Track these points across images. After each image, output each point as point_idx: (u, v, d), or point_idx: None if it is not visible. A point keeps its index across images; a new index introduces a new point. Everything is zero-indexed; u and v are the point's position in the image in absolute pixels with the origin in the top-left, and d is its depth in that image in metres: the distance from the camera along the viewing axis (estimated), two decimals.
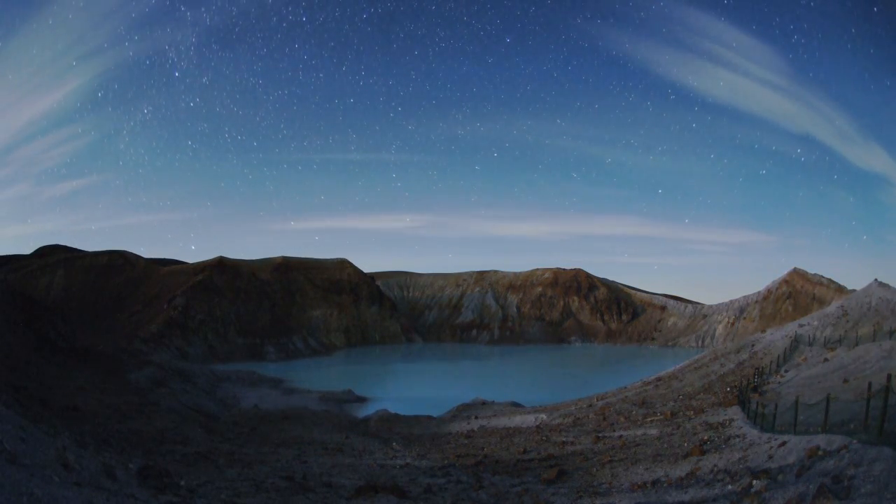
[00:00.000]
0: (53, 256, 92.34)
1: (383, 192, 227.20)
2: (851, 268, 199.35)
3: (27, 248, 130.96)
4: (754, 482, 7.37)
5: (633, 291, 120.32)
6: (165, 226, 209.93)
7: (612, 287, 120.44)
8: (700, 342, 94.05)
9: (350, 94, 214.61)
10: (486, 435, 24.94)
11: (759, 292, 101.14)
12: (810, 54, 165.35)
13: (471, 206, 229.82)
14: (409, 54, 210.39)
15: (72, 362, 37.51)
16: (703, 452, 12.02)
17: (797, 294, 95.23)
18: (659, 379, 36.43)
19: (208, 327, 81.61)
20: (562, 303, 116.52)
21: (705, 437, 14.77)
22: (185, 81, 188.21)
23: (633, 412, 25.91)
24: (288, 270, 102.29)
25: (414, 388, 56.03)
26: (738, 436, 13.76)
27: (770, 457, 9.34)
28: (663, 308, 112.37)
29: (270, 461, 14.93)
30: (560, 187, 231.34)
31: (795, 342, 34.12)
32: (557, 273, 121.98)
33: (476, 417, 32.51)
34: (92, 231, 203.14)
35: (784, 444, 9.95)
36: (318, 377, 61.89)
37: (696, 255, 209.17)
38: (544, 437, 21.82)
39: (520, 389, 49.16)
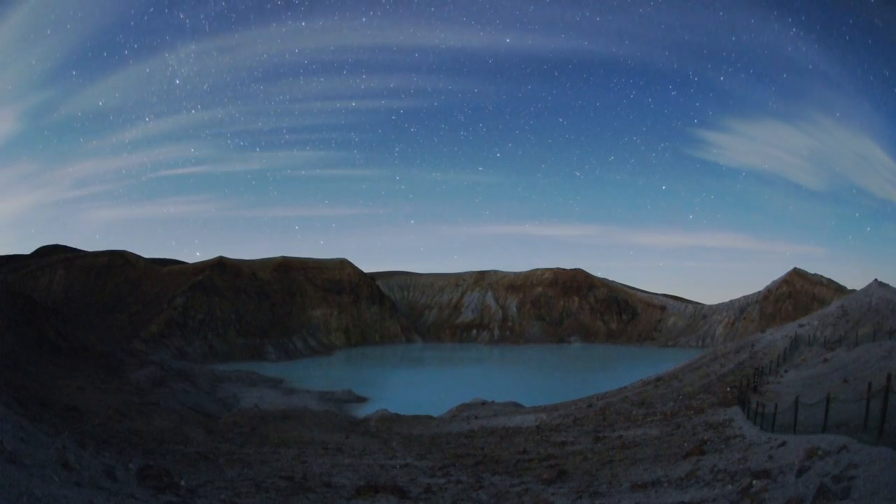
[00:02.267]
0: (53, 256, 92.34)
1: (387, 195, 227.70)
2: (851, 268, 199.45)
3: (27, 248, 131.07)
4: (754, 482, 7.38)
5: (633, 291, 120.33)
6: (169, 232, 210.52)
7: (612, 287, 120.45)
8: (700, 342, 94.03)
9: (351, 98, 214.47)
10: (485, 435, 24.94)
11: (759, 292, 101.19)
12: (809, 45, 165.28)
13: (475, 206, 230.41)
14: (409, 56, 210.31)
15: (72, 362, 37.53)
16: (702, 452, 12.02)
17: (797, 294, 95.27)
18: (659, 379, 36.42)
19: (208, 327, 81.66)
20: (562, 303, 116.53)
21: (705, 437, 14.77)
22: (186, 89, 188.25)
23: (633, 412, 25.91)
24: (288, 270, 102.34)
25: (414, 388, 56.02)
26: (737, 436, 13.76)
27: (770, 457, 9.34)
28: (663, 308, 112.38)
29: (270, 461, 14.93)
30: (563, 186, 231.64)
31: (795, 342, 34.13)
32: (557, 273, 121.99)
33: (476, 417, 32.50)
34: (95, 237, 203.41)
35: (784, 444, 9.96)
36: (318, 377, 61.92)
37: (696, 256, 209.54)
38: (544, 437, 21.81)
39: (520, 389, 49.15)
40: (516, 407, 37.70)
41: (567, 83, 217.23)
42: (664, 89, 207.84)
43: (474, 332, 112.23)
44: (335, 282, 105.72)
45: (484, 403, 38.93)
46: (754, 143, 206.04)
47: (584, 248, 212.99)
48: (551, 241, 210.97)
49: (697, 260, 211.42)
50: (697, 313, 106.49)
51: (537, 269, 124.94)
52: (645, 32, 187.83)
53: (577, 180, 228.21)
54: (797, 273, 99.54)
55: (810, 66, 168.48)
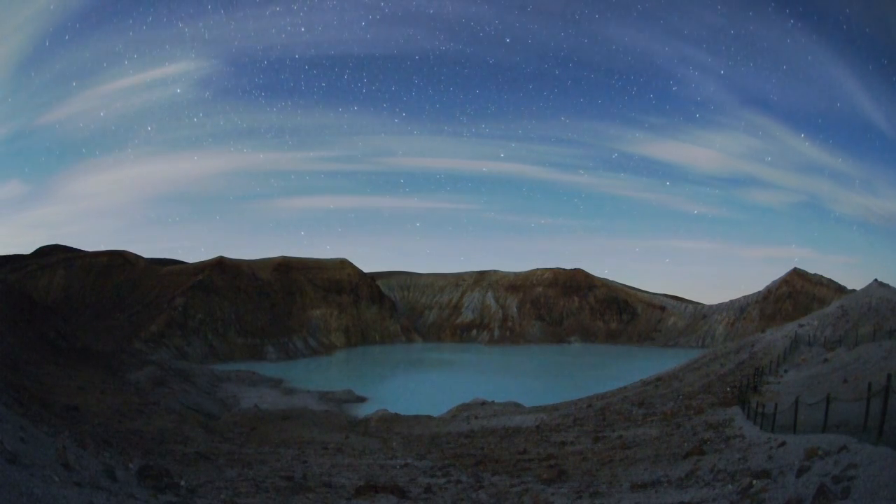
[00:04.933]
0: (53, 256, 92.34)
1: (392, 199, 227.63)
2: (851, 268, 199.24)
3: (27, 248, 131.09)
4: (754, 482, 7.38)
5: (633, 291, 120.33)
6: (174, 239, 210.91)
7: (612, 287, 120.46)
8: (700, 342, 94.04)
9: (353, 102, 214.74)
10: (485, 435, 24.93)
11: (759, 292, 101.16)
12: (807, 37, 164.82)
13: (480, 207, 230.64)
14: (409, 59, 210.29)
15: (72, 362, 37.52)
16: (702, 452, 12.02)
17: (797, 294, 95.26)
18: (659, 379, 36.41)
19: (208, 327, 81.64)
20: (562, 303, 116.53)
21: (705, 437, 14.77)
22: (188, 97, 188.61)
23: (633, 412, 25.91)
24: (288, 270, 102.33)
25: (414, 388, 56.02)
26: (737, 436, 13.76)
27: (770, 457, 9.34)
28: (663, 308, 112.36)
29: (270, 461, 14.94)
30: (567, 184, 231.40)
31: (795, 342, 34.11)
32: (557, 273, 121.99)
33: (476, 417, 32.49)
34: (98, 243, 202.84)
35: (784, 444, 9.96)
36: (318, 377, 61.94)
37: (698, 258, 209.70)
38: (544, 437, 21.81)
39: (520, 389, 49.15)
40: (516, 407, 37.66)
41: (568, 81, 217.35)
42: (665, 84, 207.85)
43: (474, 332, 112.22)
44: (335, 282, 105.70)
45: (484, 403, 38.91)
46: (754, 138, 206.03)
47: (588, 245, 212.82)
48: (558, 239, 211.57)
49: (699, 261, 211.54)
50: (697, 313, 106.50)
51: (537, 269, 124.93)
52: (644, 28, 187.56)
53: (582, 178, 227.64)
54: (797, 273, 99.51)
55: (809, 58, 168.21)
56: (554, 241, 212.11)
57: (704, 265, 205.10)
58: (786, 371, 27.10)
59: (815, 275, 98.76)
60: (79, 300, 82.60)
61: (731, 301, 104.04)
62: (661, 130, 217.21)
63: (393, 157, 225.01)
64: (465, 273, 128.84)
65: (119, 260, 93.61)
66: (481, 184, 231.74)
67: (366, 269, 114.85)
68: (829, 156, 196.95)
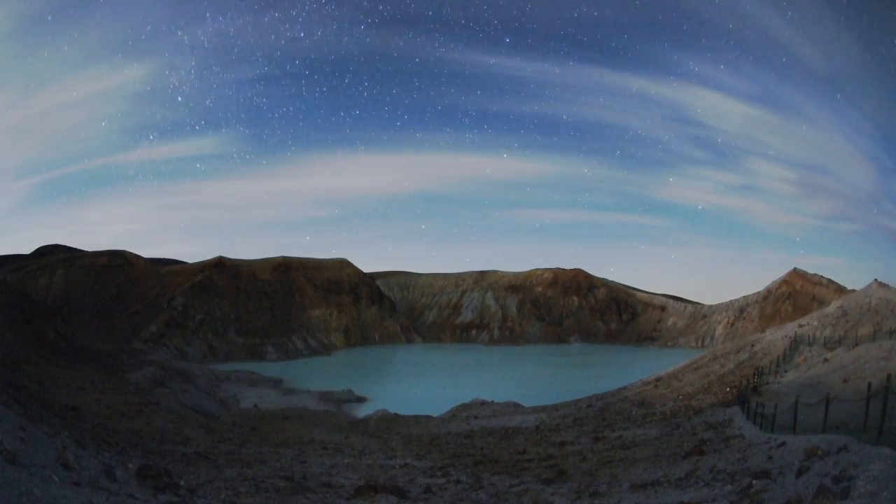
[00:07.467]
0: (53, 256, 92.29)
1: (396, 202, 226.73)
2: (851, 268, 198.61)
3: (27, 248, 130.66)
4: (753, 482, 7.38)
5: (633, 291, 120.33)
6: (177, 247, 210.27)
7: (611, 287, 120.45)
8: (700, 342, 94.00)
9: (355, 106, 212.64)
10: (485, 435, 24.94)
11: (759, 292, 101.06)
12: (805, 29, 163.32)
13: (484, 208, 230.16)
14: (410, 62, 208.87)
15: (72, 362, 37.53)
16: (702, 452, 12.02)
17: (797, 294, 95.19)
18: (659, 379, 36.44)
19: (208, 327, 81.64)
20: (562, 303, 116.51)
21: (705, 437, 14.79)
22: (189, 105, 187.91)
23: (633, 412, 25.94)
24: (288, 270, 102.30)
25: (414, 388, 56.01)
26: (737, 436, 13.78)
27: (769, 457, 9.35)
28: (663, 308, 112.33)
29: (270, 461, 14.94)
30: (571, 183, 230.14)
31: (795, 342, 34.13)
32: (557, 273, 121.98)
33: (475, 417, 32.51)
34: (98, 244, 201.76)
35: (783, 444, 9.96)
36: (318, 377, 61.88)
37: (697, 256, 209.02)
38: (544, 437, 21.83)
39: (520, 389, 49.14)
40: (516, 407, 37.67)
41: (569, 78, 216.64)
42: (665, 81, 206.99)
43: (474, 332, 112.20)
44: (335, 282, 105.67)
45: (483, 403, 38.91)
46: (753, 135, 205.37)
47: (590, 243, 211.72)
48: (560, 237, 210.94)
49: (699, 260, 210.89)
50: (697, 313, 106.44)
51: (537, 269, 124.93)
52: (643, 24, 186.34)
53: (585, 177, 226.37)
54: (797, 273, 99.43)
55: (807, 51, 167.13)
56: (554, 241, 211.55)
57: (704, 265, 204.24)
58: (786, 371, 27.13)
59: (814, 275, 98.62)
60: (79, 300, 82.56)
61: (731, 301, 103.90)
62: None
63: None
64: (465, 273, 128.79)
65: (119, 260, 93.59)
66: (485, 185, 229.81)
67: (365, 269, 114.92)
68: None
